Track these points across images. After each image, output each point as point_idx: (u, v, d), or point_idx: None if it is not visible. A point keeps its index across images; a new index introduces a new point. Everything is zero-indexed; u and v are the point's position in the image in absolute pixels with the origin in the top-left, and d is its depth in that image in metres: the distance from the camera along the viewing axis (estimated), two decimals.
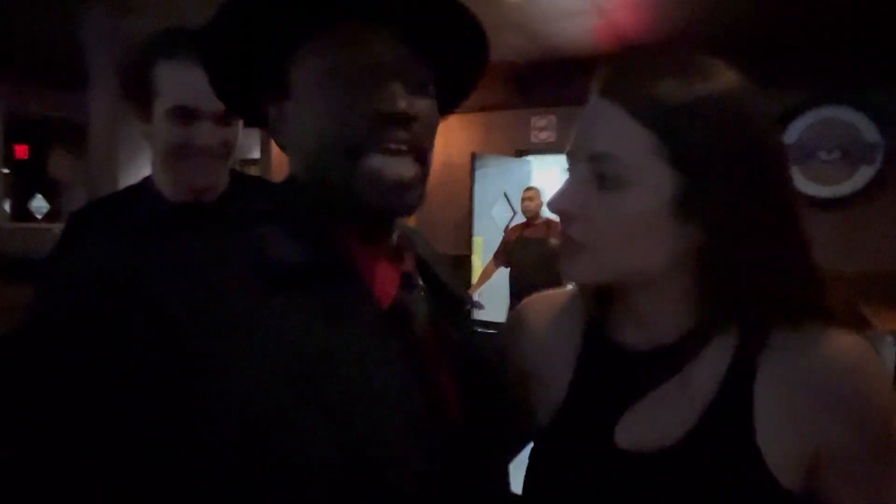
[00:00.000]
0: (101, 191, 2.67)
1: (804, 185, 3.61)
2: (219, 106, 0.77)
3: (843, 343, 0.63)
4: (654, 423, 0.65)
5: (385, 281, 0.63)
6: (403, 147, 0.60)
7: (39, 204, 5.63)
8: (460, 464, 0.62)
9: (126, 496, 0.49)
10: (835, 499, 0.64)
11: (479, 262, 4.92)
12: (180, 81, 1.02)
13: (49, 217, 5.56)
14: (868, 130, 3.51)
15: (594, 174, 0.64)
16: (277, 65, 0.64)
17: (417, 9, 0.61)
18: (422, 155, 0.62)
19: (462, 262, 4.88)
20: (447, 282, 0.74)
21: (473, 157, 4.93)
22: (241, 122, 1.04)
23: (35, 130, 5.45)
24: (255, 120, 0.70)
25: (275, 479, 0.50)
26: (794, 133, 3.67)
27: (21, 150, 5.51)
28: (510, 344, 0.81)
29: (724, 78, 0.65)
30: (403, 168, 0.61)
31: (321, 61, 0.61)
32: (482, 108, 4.90)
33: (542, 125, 4.66)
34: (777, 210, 0.64)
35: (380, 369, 0.57)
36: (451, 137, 5.07)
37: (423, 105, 0.62)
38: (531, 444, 0.75)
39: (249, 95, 0.67)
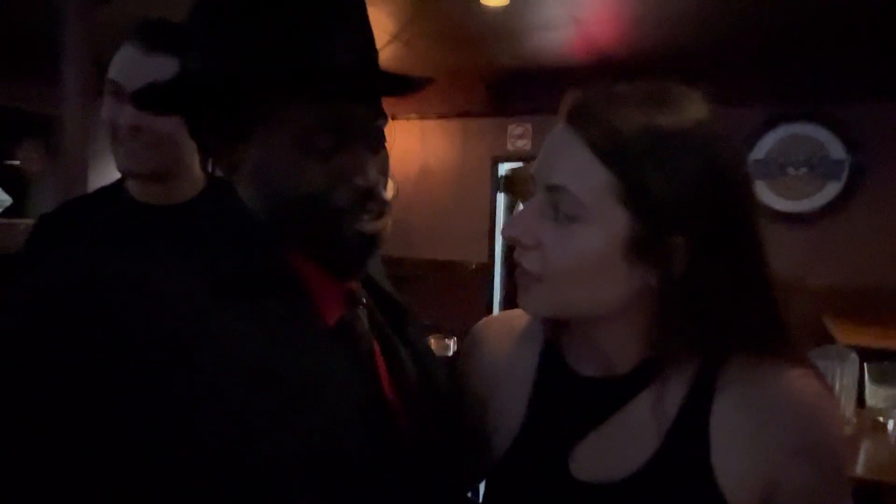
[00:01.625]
0: (72, 184, 2.63)
1: (773, 200, 3.69)
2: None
3: (798, 381, 0.64)
4: (608, 453, 0.65)
5: (331, 300, 0.64)
6: (377, 209, 0.64)
7: (2, 198, 5.50)
8: (414, 477, 0.63)
9: (89, 489, 0.49)
10: None
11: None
12: (121, 59, 1.07)
13: (15, 212, 5.44)
14: (834, 147, 3.60)
15: (550, 205, 0.63)
16: (238, 107, 0.63)
17: (381, 89, 0.67)
18: (387, 206, 0.66)
19: (483, 272, 4.81)
20: (392, 294, 0.76)
21: (495, 161, 4.85)
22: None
23: (4, 122, 5.33)
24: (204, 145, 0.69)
25: (229, 484, 0.50)
26: (762, 149, 3.75)
27: None
28: (467, 367, 0.80)
29: (691, 111, 0.62)
30: (381, 226, 0.65)
31: (292, 122, 0.61)
32: (461, 115, 4.91)
33: (519, 133, 4.69)
34: (737, 249, 0.63)
35: (328, 384, 0.58)
36: (430, 143, 5.09)
37: (383, 161, 0.66)
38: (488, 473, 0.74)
39: (203, 122, 0.66)
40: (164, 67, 0.92)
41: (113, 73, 1.07)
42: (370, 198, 0.63)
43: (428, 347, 0.79)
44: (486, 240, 4.84)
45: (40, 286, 0.54)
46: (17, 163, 5.37)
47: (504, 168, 4.88)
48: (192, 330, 0.52)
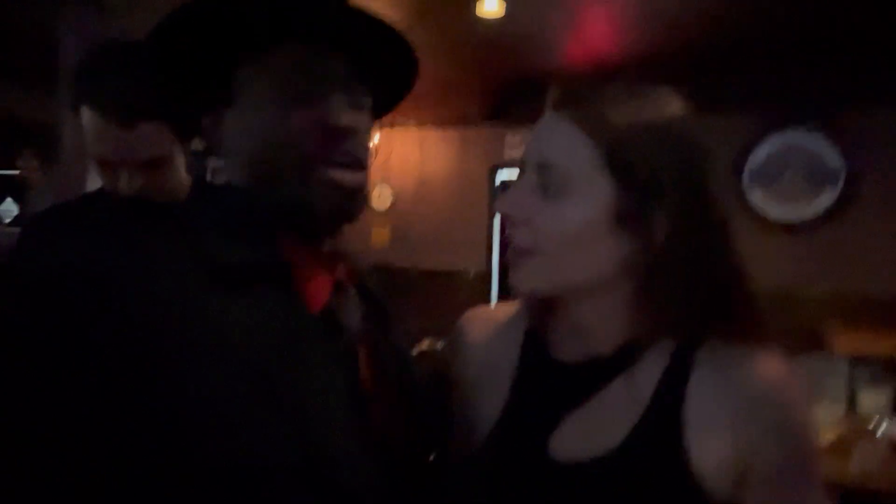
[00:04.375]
0: (72, 192, 2.64)
1: (770, 207, 3.70)
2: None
3: (769, 361, 0.67)
4: (587, 434, 0.68)
5: (317, 287, 0.65)
6: (349, 159, 0.65)
7: (8, 208, 5.52)
8: (395, 467, 0.64)
9: (74, 488, 0.49)
10: None
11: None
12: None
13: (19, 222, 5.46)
14: (830, 154, 3.61)
15: (540, 182, 0.67)
16: (218, 74, 0.65)
17: (356, 31, 0.66)
18: (364, 164, 0.68)
19: (483, 281, 4.79)
20: (377, 296, 0.78)
21: (493, 169, 4.85)
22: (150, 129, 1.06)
23: (3, 131, 5.35)
24: (185, 129, 0.73)
25: (223, 470, 0.50)
26: (759, 156, 3.76)
27: None
28: (451, 357, 0.83)
29: (670, 106, 0.68)
30: (353, 177, 0.66)
31: (267, 74, 0.64)
32: (458, 123, 4.93)
33: (517, 142, 4.71)
34: (709, 230, 0.67)
35: (313, 370, 0.58)
36: (428, 152, 5.10)
37: (362, 119, 0.67)
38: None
39: (185, 102, 0.70)
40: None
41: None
42: (343, 142, 0.64)
43: (408, 351, 0.81)
44: (484, 248, 4.84)
45: (29, 273, 0.55)
46: (16, 172, 5.38)
47: (502, 175, 4.89)
48: (180, 318, 0.52)
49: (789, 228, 3.68)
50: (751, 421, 0.65)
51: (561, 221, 0.66)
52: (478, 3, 2.84)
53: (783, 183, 3.72)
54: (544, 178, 0.67)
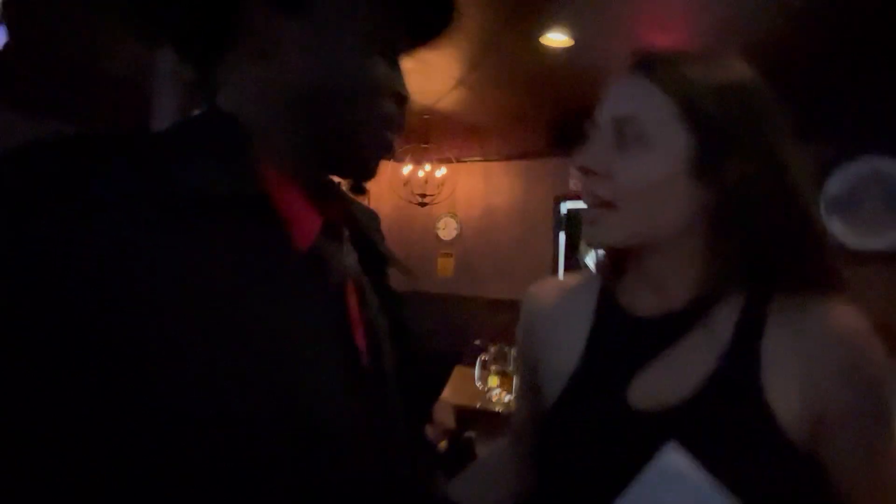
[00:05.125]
0: None
1: (848, 237, 3.56)
2: None
3: (844, 313, 0.68)
4: (664, 383, 0.69)
5: (305, 223, 0.59)
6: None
7: None
8: (378, 412, 0.61)
9: (46, 453, 0.44)
10: (833, 457, 0.67)
11: None
12: None
13: None
14: None
15: (617, 136, 0.70)
16: None
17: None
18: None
19: None
20: (375, 240, 0.72)
21: (557, 200, 4.87)
22: None
23: None
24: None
25: (190, 416, 0.46)
26: (836, 184, 3.64)
27: None
28: (524, 324, 0.86)
29: (741, 66, 0.72)
30: (402, 114, 0.63)
31: (361, 10, 0.59)
32: (523, 156, 4.98)
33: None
34: (780, 180, 0.69)
35: (292, 311, 0.53)
36: (493, 184, 5.16)
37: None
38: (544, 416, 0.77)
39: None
40: None
41: None
42: (402, 114, 0.63)
43: (401, 298, 0.76)
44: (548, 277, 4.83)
45: None
46: None
47: (566, 207, 4.90)
48: (144, 255, 0.46)
49: (868, 259, 3.53)
50: (825, 365, 0.65)
51: (639, 173, 0.68)
52: (543, 34, 2.90)
53: (862, 212, 3.59)
54: (621, 132, 0.69)
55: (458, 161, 5.17)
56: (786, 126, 0.72)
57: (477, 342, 3.98)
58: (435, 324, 4.64)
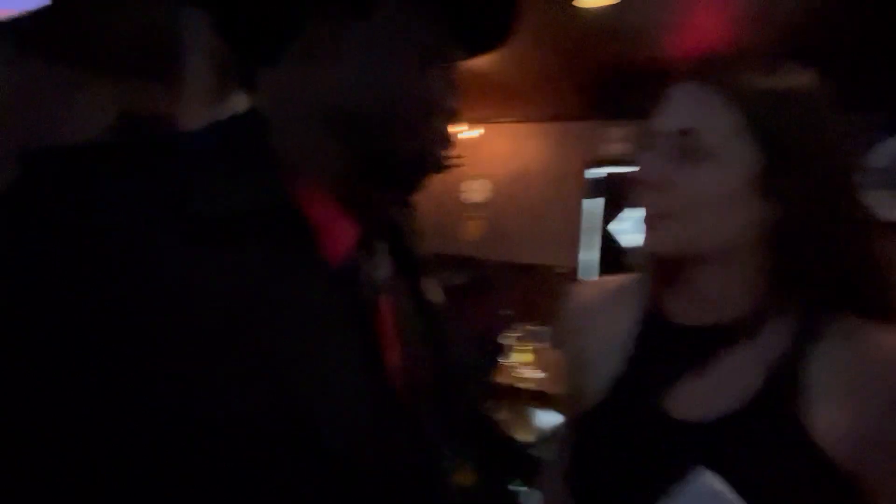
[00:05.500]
0: None
1: (892, 210, 3.45)
2: None
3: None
4: (707, 395, 0.69)
5: (339, 237, 0.58)
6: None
7: None
8: (401, 435, 0.59)
9: (57, 458, 0.44)
10: (876, 481, 0.65)
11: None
12: None
13: None
14: None
15: (679, 148, 0.69)
16: None
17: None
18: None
19: (570, 277, 4.71)
20: (411, 245, 0.70)
21: (588, 165, 4.77)
22: None
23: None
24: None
25: (207, 444, 0.45)
26: (880, 156, 3.51)
27: None
28: (562, 328, 0.85)
29: (808, 78, 0.70)
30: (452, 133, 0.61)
31: (420, 23, 0.56)
32: (556, 118, 4.89)
33: (617, 137, 4.62)
34: (843, 202, 0.68)
35: (320, 333, 0.52)
36: (525, 147, 5.09)
37: None
38: (580, 420, 0.77)
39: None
40: None
41: None
42: (451, 131, 0.61)
43: (438, 304, 0.74)
44: (573, 245, 4.79)
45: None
46: None
47: (596, 172, 4.81)
48: (170, 275, 0.45)
49: None
50: (875, 392, 0.64)
51: (702, 184, 0.67)
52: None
53: None
54: (685, 144, 0.68)
55: (489, 122, 5.10)
56: (847, 138, 0.70)
57: (507, 312, 3.98)
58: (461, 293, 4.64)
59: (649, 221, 0.72)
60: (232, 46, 0.59)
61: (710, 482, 0.63)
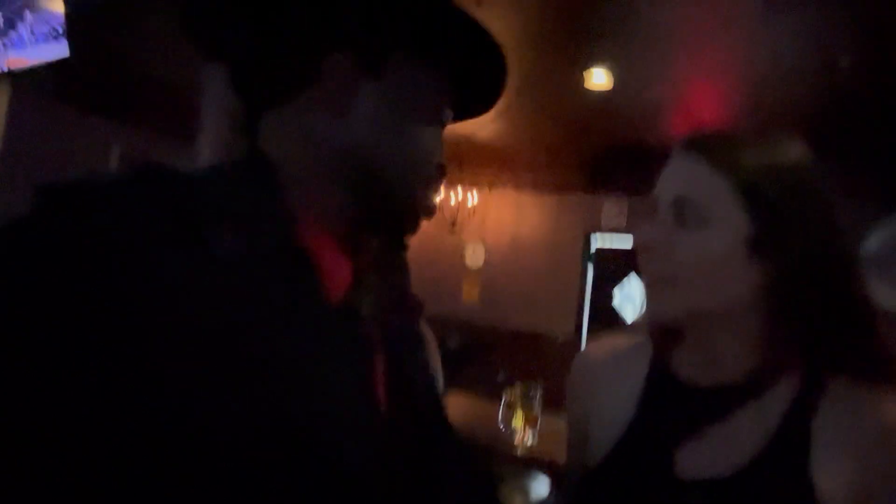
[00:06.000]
0: None
1: (887, 298, 3.47)
2: None
3: None
4: (713, 454, 0.69)
5: (337, 274, 0.60)
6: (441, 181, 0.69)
7: None
8: (400, 464, 0.60)
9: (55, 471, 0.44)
10: None
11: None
12: None
13: None
14: None
15: (675, 215, 0.72)
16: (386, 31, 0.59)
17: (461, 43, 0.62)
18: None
19: (570, 346, 4.69)
20: (404, 288, 0.74)
21: (587, 237, 4.84)
22: None
23: None
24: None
25: (208, 473, 0.46)
26: (874, 242, 3.57)
27: None
28: (573, 390, 0.86)
29: (795, 146, 0.74)
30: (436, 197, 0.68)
31: (421, 86, 0.61)
32: (555, 191, 4.99)
33: (615, 211, 4.71)
34: (836, 263, 0.70)
35: (325, 368, 0.53)
36: (524, 216, 5.17)
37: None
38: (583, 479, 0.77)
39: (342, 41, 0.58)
40: None
41: None
42: (440, 179, 0.67)
43: (425, 341, 0.77)
44: (573, 314, 4.81)
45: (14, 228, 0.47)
46: None
47: (596, 243, 4.88)
48: (179, 302, 0.46)
49: None
50: (875, 458, 0.66)
51: (698, 248, 0.70)
52: (587, 76, 2.92)
53: None
54: (681, 212, 0.72)
55: (490, 188, 5.20)
56: (838, 206, 0.73)
57: (500, 377, 3.95)
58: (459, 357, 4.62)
59: (650, 286, 0.74)
60: (242, 95, 0.62)
61: None
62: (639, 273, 0.75)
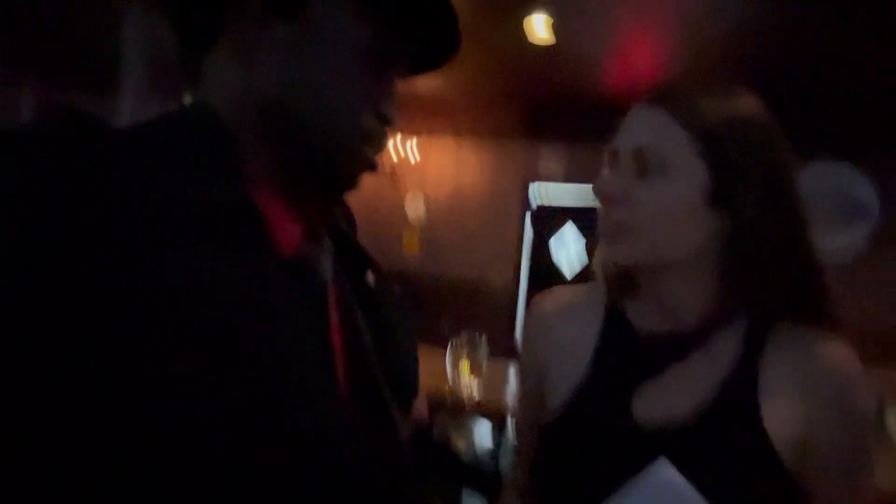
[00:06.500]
0: None
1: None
2: None
3: (836, 345, 0.74)
4: (668, 400, 0.74)
5: (286, 229, 0.58)
6: (386, 137, 0.63)
7: None
8: (363, 415, 0.59)
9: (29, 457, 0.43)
10: (815, 486, 0.72)
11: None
12: None
13: None
14: (862, 187, 3.56)
15: (637, 165, 0.74)
16: None
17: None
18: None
19: (509, 293, 4.75)
20: (357, 244, 0.72)
21: (526, 184, 4.80)
22: None
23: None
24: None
25: (182, 431, 0.45)
26: (810, 179, 3.70)
27: None
28: (530, 340, 0.88)
29: (753, 100, 0.76)
30: (378, 160, 0.63)
31: (356, 24, 0.57)
32: (494, 137, 4.99)
33: (553, 157, 4.76)
34: (789, 213, 0.74)
35: (283, 318, 0.52)
36: (464, 163, 5.17)
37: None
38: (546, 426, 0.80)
39: None
40: None
41: None
42: (385, 133, 0.62)
43: (391, 300, 0.75)
44: (512, 262, 4.88)
45: None
46: None
47: (535, 190, 4.93)
48: (116, 259, 0.44)
49: None
50: (816, 397, 0.70)
51: (659, 198, 0.73)
52: (528, 28, 2.90)
53: (814, 214, 3.66)
54: (641, 162, 0.73)
55: (430, 135, 5.16)
56: (791, 158, 0.76)
57: (444, 326, 4.00)
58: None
59: (610, 234, 0.76)
60: (176, 34, 0.59)
61: (668, 473, 0.67)
62: (600, 219, 0.77)
